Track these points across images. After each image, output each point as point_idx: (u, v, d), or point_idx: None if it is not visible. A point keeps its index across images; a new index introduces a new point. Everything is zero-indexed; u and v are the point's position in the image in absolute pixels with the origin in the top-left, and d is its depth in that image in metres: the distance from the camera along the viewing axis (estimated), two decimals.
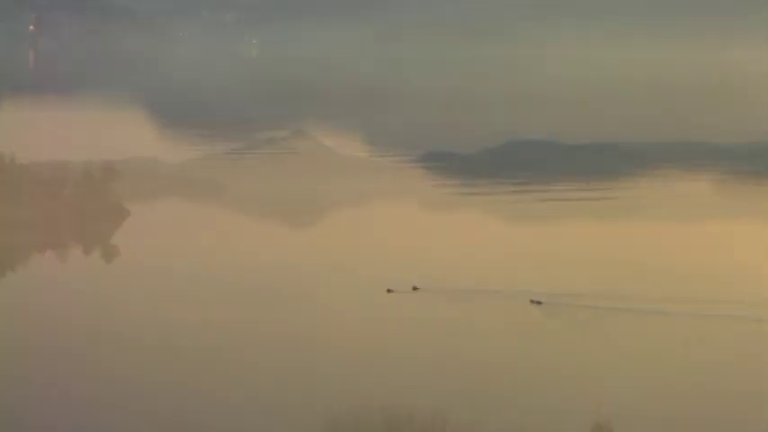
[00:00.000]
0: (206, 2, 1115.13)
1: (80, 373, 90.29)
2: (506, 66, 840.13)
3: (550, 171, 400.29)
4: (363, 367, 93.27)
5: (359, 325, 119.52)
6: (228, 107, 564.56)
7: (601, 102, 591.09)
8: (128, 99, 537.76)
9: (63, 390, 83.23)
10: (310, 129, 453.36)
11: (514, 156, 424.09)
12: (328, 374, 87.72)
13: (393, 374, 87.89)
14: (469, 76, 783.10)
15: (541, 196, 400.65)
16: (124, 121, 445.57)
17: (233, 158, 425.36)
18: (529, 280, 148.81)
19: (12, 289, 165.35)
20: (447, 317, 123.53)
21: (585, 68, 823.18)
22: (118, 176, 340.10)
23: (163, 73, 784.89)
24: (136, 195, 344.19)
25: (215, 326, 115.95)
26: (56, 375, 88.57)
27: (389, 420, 45.50)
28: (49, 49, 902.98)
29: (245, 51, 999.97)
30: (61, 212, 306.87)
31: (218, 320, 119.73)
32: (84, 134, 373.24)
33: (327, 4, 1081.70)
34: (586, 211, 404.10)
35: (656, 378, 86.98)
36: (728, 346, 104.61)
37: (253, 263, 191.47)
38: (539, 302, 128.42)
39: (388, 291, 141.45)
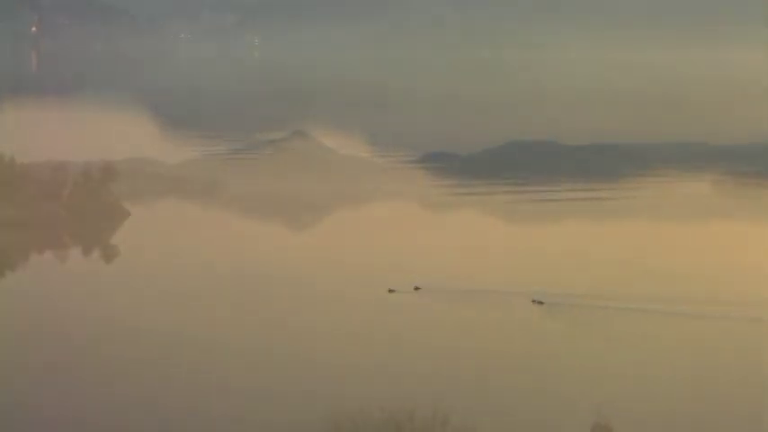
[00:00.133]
0: (206, 3, 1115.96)
1: (80, 372, 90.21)
2: (506, 67, 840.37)
3: (550, 172, 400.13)
4: (364, 367, 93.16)
5: (360, 325, 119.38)
6: (229, 108, 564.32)
7: (601, 102, 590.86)
8: (128, 100, 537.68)
9: (63, 389, 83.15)
10: (311, 129, 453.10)
11: (515, 156, 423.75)
12: (329, 374, 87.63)
13: (394, 374, 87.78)
14: (470, 76, 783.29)
15: (542, 197, 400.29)
16: (124, 121, 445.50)
17: (233, 159, 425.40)
18: (530, 280, 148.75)
19: (12, 289, 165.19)
20: (449, 316, 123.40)
21: (585, 69, 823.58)
22: (118, 177, 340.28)
23: (163, 74, 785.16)
24: (136, 196, 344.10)
25: (215, 326, 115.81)
26: (56, 375, 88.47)
27: (390, 420, 45.40)
28: (49, 51, 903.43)
29: (245, 53, 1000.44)
30: (61, 213, 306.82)
31: (218, 321, 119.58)
32: (84, 135, 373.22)
33: (328, 6, 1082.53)
34: (587, 212, 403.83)
35: (656, 378, 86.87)
36: (729, 345, 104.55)
37: (253, 263, 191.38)
38: (540, 302, 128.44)
39: (390, 291, 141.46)
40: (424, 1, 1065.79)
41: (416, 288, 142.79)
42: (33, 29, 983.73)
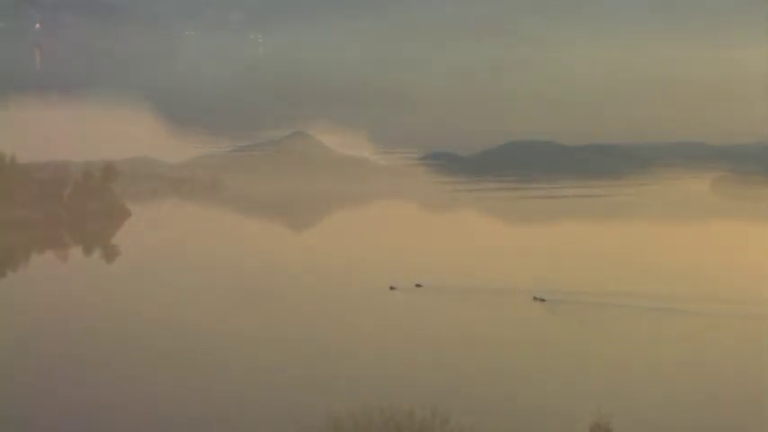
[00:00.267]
0: (210, 2, 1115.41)
1: (81, 371, 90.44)
2: (507, 67, 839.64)
3: (550, 171, 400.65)
4: (365, 366, 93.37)
5: (361, 323, 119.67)
6: (230, 107, 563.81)
7: (601, 103, 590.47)
8: (129, 99, 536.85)
9: (64, 388, 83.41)
10: (312, 129, 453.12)
11: (515, 156, 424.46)
12: (330, 373, 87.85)
13: (395, 373, 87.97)
14: (470, 77, 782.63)
15: (542, 196, 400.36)
16: (125, 121, 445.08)
17: (234, 158, 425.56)
18: (531, 278, 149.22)
19: (12, 289, 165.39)
20: (450, 314, 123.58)
21: (586, 70, 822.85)
22: (119, 177, 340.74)
23: (165, 73, 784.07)
24: (137, 196, 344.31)
25: (216, 325, 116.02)
26: (56, 374, 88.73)
27: (390, 420, 45.69)
28: (53, 49, 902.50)
29: (248, 52, 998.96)
30: (62, 213, 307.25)
31: (218, 320, 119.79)
32: (85, 134, 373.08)
33: (331, 5, 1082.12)
34: (588, 211, 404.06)
35: (657, 375, 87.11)
36: (728, 342, 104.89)
37: (255, 262, 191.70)
38: (542, 300, 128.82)
39: (391, 288, 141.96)
40: (426, 1, 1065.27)
41: (418, 285, 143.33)
42: (36, 26, 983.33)
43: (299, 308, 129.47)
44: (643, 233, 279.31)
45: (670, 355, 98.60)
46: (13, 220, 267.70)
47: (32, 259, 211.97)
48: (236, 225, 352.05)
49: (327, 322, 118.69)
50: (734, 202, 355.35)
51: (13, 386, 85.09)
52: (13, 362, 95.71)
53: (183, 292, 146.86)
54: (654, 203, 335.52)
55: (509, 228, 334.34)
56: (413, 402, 46.69)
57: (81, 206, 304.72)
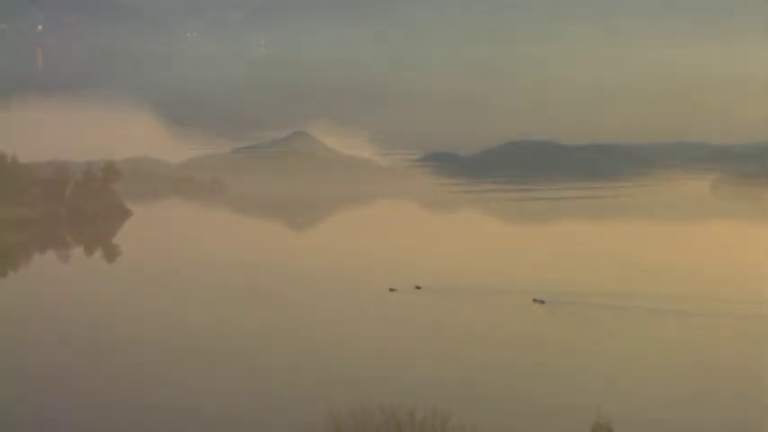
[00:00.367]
0: (211, 2, 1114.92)
1: (82, 370, 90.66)
2: (507, 67, 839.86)
3: (550, 171, 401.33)
4: (366, 365, 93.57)
5: (361, 324, 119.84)
6: (232, 107, 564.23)
7: (601, 103, 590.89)
8: (131, 99, 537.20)
9: (65, 387, 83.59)
10: (313, 129, 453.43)
11: (515, 156, 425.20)
12: (331, 373, 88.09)
13: (395, 372, 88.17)
14: (471, 77, 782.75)
15: (542, 196, 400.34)
16: (127, 120, 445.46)
17: (235, 158, 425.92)
18: (531, 279, 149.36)
19: (14, 288, 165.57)
20: (449, 315, 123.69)
21: (586, 70, 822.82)
22: (120, 177, 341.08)
23: (166, 73, 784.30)
24: (138, 195, 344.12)
25: (216, 325, 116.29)
26: (57, 373, 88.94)
27: (390, 419, 45.97)
28: (55, 49, 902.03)
29: (250, 52, 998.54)
30: (63, 212, 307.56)
31: (219, 320, 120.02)
32: (87, 134, 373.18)
33: (332, 5, 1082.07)
34: (587, 211, 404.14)
35: (657, 376, 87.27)
36: (729, 343, 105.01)
37: (255, 263, 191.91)
38: (541, 301, 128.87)
39: (391, 290, 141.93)
40: (428, 1, 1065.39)
41: (417, 287, 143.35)
42: (39, 27, 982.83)
43: (300, 308, 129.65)
44: (643, 234, 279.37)
45: (670, 355, 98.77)
46: (15, 219, 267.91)
47: (34, 259, 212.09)
48: (236, 225, 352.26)
49: (328, 322, 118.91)
50: (734, 203, 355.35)
51: (13, 386, 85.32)
52: (14, 361, 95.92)
53: (183, 292, 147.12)
54: (654, 204, 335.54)
55: (509, 228, 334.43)
56: (412, 402, 47.02)
57: (82, 206, 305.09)
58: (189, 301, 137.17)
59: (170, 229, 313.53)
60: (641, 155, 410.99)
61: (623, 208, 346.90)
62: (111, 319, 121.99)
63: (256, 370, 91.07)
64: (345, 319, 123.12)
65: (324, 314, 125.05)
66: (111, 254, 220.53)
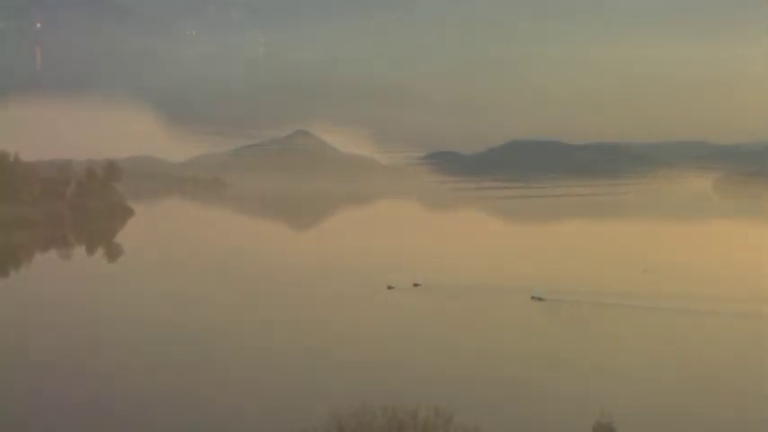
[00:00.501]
0: (212, 1, 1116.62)
1: (82, 369, 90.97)
2: (508, 66, 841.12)
3: (553, 170, 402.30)
4: (367, 365, 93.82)
5: (361, 323, 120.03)
6: (233, 106, 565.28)
7: (603, 102, 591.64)
8: (132, 98, 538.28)
9: (66, 386, 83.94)
10: (314, 128, 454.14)
11: (517, 155, 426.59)
12: (332, 373, 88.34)
13: (396, 372, 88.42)
14: (473, 76, 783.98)
15: (544, 195, 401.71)
16: (128, 119, 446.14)
17: (237, 157, 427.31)
18: (530, 277, 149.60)
19: (16, 287, 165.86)
20: (448, 313, 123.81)
21: (587, 69, 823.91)
22: (122, 176, 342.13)
23: (167, 72, 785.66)
24: (140, 194, 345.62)
25: (217, 324, 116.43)
26: (58, 372, 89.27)
27: (393, 419, 46.23)
28: (54, 48, 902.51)
29: (250, 50, 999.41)
30: (65, 211, 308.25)
31: (219, 319, 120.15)
32: (88, 133, 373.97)
33: (333, 4, 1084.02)
34: (589, 210, 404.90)
35: (657, 374, 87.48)
36: (729, 341, 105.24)
37: (256, 261, 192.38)
38: (540, 299, 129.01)
39: (389, 287, 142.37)
40: (430, 2, 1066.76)
41: (416, 285, 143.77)
42: (38, 26, 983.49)
43: (301, 307, 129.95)
44: (644, 232, 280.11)
45: (672, 353, 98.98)
46: (17, 218, 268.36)
47: (35, 258, 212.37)
48: (238, 224, 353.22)
49: (329, 321, 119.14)
50: (736, 202, 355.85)
51: (14, 385, 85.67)
52: (16, 360, 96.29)
53: (185, 291, 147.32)
54: (655, 202, 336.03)
55: (511, 227, 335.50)
56: (412, 401, 47.38)
57: (84, 205, 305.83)
58: (191, 300, 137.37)
59: (172, 228, 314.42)
60: (643, 154, 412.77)
61: (625, 207, 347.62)
62: (113, 318, 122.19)
63: (257, 369, 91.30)
64: (347, 316, 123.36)
65: (325, 312, 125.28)
66: (113, 253, 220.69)
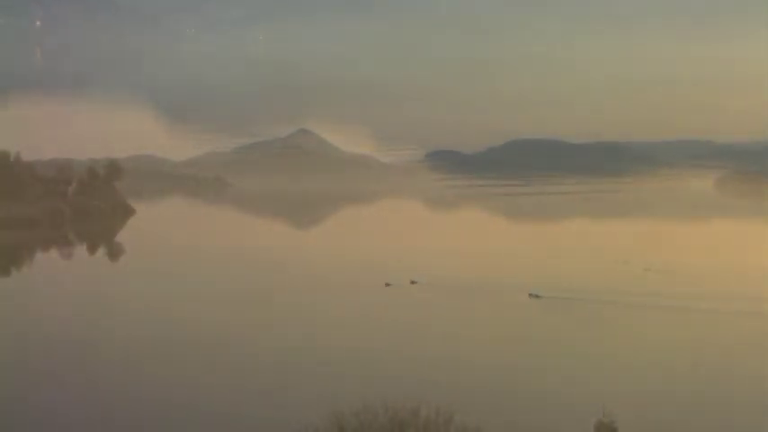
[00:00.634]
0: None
1: (83, 369, 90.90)
2: (510, 66, 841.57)
3: (554, 169, 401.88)
4: (368, 364, 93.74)
5: (361, 322, 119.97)
6: (234, 105, 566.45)
7: (604, 101, 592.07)
8: (133, 96, 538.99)
9: (66, 385, 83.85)
10: (315, 127, 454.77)
11: (518, 154, 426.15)
12: (332, 372, 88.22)
13: (396, 372, 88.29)
14: (474, 75, 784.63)
15: (545, 194, 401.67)
16: (129, 118, 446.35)
17: (238, 156, 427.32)
18: (529, 275, 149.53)
19: (17, 287, 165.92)
20: (447, 311, 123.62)
21: (588, 68, 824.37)
22: (123, 175, 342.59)
23: (168, 71, 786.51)
24: (141, 193, 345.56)
25: (217, 323, 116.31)
26: (59, 372, 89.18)
27: (394, 418, 46.06)
28: (54, 47, 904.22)
29: (250, 49, 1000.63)
30: (66, 211, 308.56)
31: (220, 318, 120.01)
32: (89, 132, 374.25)
33: (334, 3, 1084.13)
34: (589, 209, 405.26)
35: (657, 372, 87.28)
36: (730, 340, 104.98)
37: (257, 260, 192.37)
38: (537, 296, 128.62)
39: (387, 285, 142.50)
40: (430, 0, 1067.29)
41: (412, 282, 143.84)
42: (38, 23, 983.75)
43: (302, 306, 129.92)
44: (645, 231, 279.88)
45: (672, 352, 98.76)
46: (18, 217, 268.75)
47: (37, 257, 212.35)
48: (239, 223, 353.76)
49: (330, 321, 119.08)
50: (738, 201, 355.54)
51: (15, 385, 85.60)
52: (17, 360, 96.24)
53: (186, 290, 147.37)
54: (656, 201, 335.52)
55: (511, 225, 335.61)
56: (416, 400, 47.16)
57: (85, 204, 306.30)
58: (191, 299, 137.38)
59: (173, 227, 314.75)
60: (645, 153, 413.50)
61: (626, 205, 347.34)
62: (114, 317, 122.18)
63: (257, 369, 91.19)
64: (348, 315, 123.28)
65: (326, 311, 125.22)
66: (115, 252, 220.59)
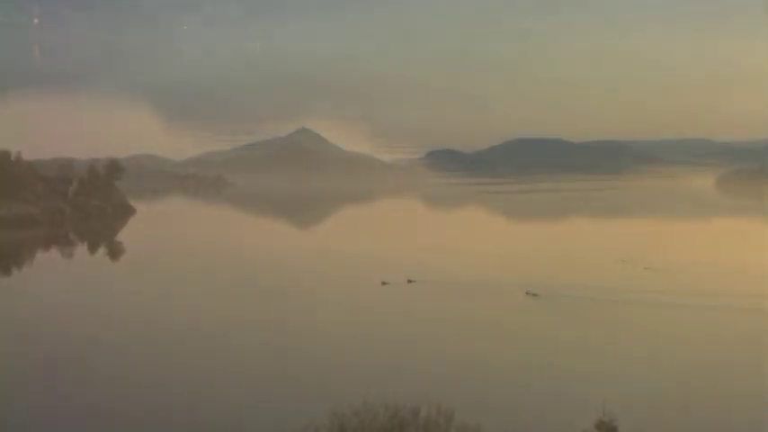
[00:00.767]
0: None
1: (83, 369, 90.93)
2: (509, 65, 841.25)
3: (555, 168, 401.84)
4: (366, 364, 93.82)
5: (361, 321, 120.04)
6: (234, 104, 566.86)
7: (604, 100, 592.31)
8: (132, 95, 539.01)
9: (66, 386, 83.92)
10: (315, 125, 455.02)
11: (520, 153, 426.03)
12: (333, 371, 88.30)
13: (396, 372, 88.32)
14: (474, 73, 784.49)
15: (545, 193, 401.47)
16: (129, 117, 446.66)
17: (239, 155, 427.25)
18: (528, 273, 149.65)
19: (18, 286, 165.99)
20: (445, 310, 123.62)
21: (589, 67, 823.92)
22: (123, 174, 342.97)
23: (168, 69, 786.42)
24: (142, 193, 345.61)
25: (217, 323, 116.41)
26: (59, 371, 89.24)
27: (394, 417, 46.12)
28: (53, 45, 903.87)
29: (250, 48, 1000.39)
30: (67, 210, 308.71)
31: (220, 317, 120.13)
32: (89, 131, 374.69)
33: (334, 3, 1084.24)
34: (590, 208, 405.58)
35: (657, 371, 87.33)
36: (729, 338, 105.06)
37: (257, 260, 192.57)
38: (535, 295, 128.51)
39: (383, 283, 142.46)
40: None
41: (410, 281, 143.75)
42: (36, 21, 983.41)
43: (303, 306, 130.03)
44: (645, 229, 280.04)
45: (671, 349, 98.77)
46: (18, 217, 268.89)
47: (37, 256, 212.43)
48: (239, 222, 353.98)
49: (330, 320, 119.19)
50: (739, 199, 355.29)
51: (15, 384, 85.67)
52: (17, 360, 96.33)
53: (187, 289, 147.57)
54: (657, 200, 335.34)
55: (511, 224, 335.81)
56: (416, 400, 47.23)
57: (86, 203, 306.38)
58: (192, 298, 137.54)
59: (174, 227, 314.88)
60: (645, 152, 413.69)
61: (626, 204, 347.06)
62: (115, 317, 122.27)
63: (257, 368, 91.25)
64: (348, 314, 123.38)
65: (327, 310, 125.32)
66: (115, 251, 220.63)
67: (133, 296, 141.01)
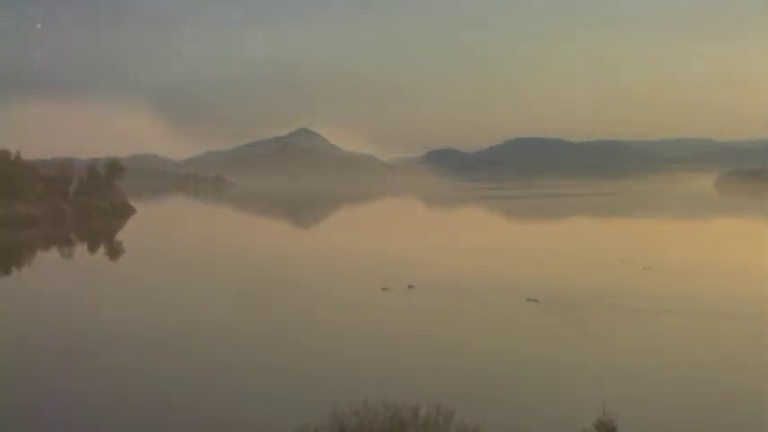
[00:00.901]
0: (212, 0, 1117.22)
1: (83, 368, 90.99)
2: (510, 65, 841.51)
3: (554, 169, 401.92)
4: (366, 364, 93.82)
5: (361, 322, 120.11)
6: (234, 105, 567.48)
7: (605, 100, 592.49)
8: (133, 96, 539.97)
9: (66, 385, 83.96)
10: (315, 126, 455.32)
11: (520, 154, 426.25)
12: (333, 371, 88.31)
13: (395, 371, 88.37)
14: (474, 74, 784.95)
15: (545, 194, 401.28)
16: (130, 118, 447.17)
17: (239, 155, 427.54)
18: (529, 277, 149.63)
19: (18, 286, 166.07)
20: (445, 314, 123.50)
21: (589, 68, 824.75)
22: (123, 174, 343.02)
23: (168, 71, 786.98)
24: (141, 193, 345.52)
25: (217, 323, 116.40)
26: (59, 371, 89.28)
27: (394, 417, 46.15)
28: (55, 47, 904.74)
29: (250, 49, 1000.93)
30: (67, 210, 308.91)
31: (220, 317, 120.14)
32: (89, 131, 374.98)
33: (334, 3, 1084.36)
34: (590, 209, 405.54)
35: (657, 373, 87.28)
36: (729, 341, 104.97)
37: (256, 260, 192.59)
38: (535, 300, 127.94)
39: (383, 289, 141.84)
40: (430, 0, 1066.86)
41: (410, 287, 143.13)
42: (38, 26, 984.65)
43: (303, 306, 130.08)
44: (645, 231, 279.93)
45: (671, 353, 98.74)
46: (19, 216, 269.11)
47: (38, 256, 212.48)
48: (239, 222, 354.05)
49: (330, 320, 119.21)
50: (737, 200, 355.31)
51: (15, 384, 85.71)
52: (17, 359, 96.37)
53: (186, 290, 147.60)
54: (657, 200, 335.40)
55: (511, 225, 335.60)
56: (417, 399, 47.25)
57: (86, 203, 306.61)
58: (192, 299, 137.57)
59: (173, 227, 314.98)
60: (646, 152, 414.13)
61: (626, 205, 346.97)
62: (115, 317, 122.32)
63: (257, 368, 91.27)
64: (348, 314, 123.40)
65: (327, 310, 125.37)
66: (115, 251, 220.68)
67: (133, 296, 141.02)
